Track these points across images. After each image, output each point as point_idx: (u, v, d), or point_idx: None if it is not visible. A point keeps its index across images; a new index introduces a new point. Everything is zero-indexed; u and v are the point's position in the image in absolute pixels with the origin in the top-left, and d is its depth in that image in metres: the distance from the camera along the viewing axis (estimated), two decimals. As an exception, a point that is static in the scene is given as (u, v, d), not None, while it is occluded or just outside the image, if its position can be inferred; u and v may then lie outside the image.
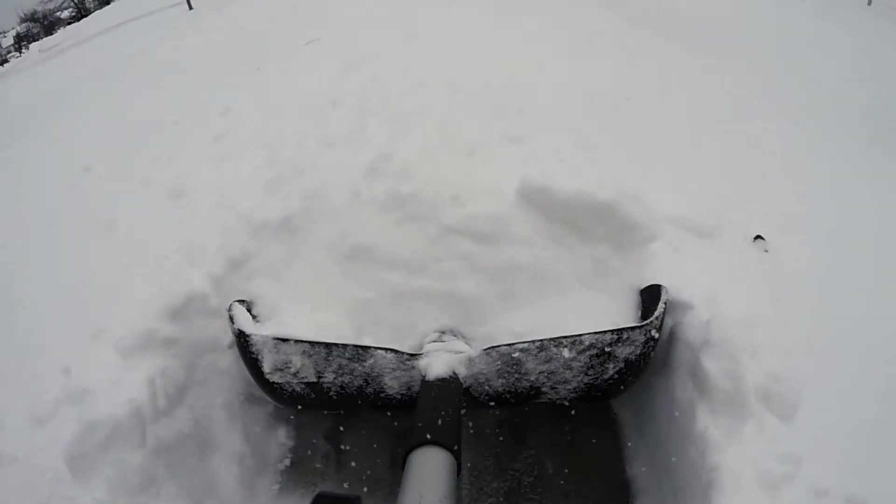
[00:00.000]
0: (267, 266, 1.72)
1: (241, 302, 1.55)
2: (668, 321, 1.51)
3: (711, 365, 1.32)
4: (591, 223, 1.63)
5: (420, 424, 1.10)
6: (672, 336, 1.53)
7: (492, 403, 1.45)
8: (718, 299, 1.47)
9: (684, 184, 2.02)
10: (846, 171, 2.29)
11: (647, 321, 1.35)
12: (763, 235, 1.80)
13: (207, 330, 1.59)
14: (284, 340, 1.40)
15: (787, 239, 1.81)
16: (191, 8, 8.37)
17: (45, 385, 1.34)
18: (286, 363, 1.40)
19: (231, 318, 1.48)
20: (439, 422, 1.11)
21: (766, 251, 1.76)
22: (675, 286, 1.50)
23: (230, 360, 1.61)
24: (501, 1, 4.39)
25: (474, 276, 1.62)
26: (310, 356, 1.39)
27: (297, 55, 3.52)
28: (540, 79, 2.78)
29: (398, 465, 1.03)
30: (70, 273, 1.73)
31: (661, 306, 1.37)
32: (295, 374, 1.41)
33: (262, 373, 1.41)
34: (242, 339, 1.43)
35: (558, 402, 1.44)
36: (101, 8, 20.46)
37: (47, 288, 1.70)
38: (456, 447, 1.04)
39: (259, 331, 1.44)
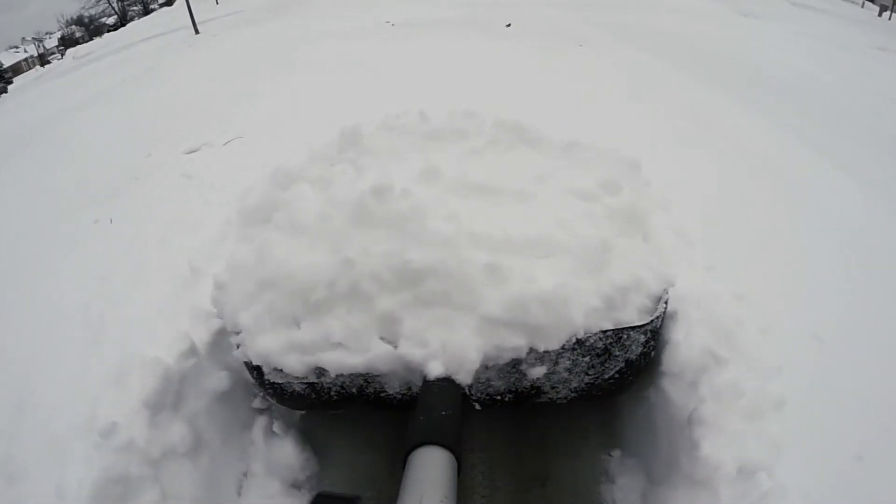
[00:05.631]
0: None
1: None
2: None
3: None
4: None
5: (420, 424, 1.10)
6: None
7: (492, 403, 1.45)
8: None
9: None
10: None
11: (647, 321, 1.33)
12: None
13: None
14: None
15: None
16: (197, 32, 9.02)
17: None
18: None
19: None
20: (440, 421, 1.10)
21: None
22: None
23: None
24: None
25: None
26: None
27: (192, 174, 2.81)
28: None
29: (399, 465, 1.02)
30: None
31: (661, 306, 1.36)
32: (295, 375, 1.40)
33: (263, 373, 1.41)
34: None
35: (559, 401, 1.44)
36: (142, 16, 21.84)
37: None
38: (456, 447, 1.04)
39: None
